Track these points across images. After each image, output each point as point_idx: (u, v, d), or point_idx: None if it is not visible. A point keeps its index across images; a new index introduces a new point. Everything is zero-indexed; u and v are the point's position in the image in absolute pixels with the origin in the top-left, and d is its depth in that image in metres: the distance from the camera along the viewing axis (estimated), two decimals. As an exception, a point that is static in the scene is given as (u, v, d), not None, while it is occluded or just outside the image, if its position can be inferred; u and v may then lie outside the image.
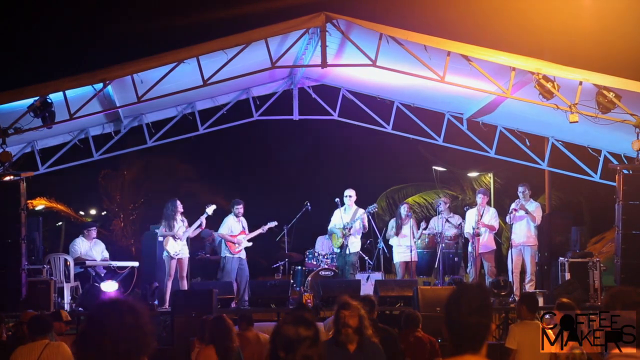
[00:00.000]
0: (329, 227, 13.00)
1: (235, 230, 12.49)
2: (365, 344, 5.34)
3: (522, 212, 12.38)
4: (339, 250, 12.71)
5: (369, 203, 13.11)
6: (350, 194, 12.70)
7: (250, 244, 12.58)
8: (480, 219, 12.60)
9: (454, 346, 2.92)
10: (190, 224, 11.98)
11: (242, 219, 12.65)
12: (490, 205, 13.97)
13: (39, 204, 22.22)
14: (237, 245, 12.38)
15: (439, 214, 13.27)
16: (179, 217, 11.97)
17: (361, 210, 12.69)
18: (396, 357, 6.49)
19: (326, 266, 12.96)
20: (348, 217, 12.62)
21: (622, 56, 17.05)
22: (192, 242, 12.39)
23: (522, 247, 12.45)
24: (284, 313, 11.30)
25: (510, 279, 12.04)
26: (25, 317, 7.14)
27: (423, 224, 13.48)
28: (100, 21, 27.33)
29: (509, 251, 12.56)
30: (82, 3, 26.44)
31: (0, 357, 6.46)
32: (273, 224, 12.78)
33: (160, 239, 12.08)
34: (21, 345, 6.23)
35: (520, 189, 12.61)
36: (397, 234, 13.09)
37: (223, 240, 12.59)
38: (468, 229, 12.72)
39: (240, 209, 12.58)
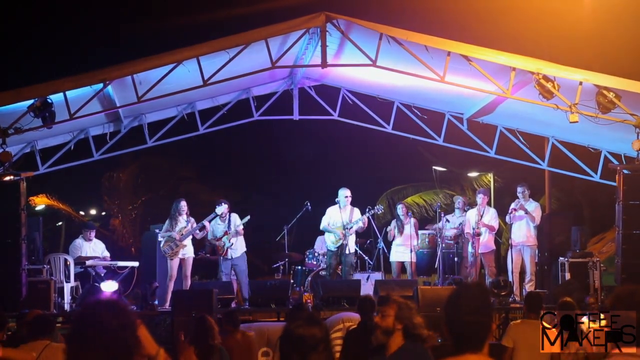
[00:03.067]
0: (323, 226, 12.63)
1: (218, 232, 12.25)
2: (406, 348, 4.69)
3: (521, 212, 12.40)
4: (334, 249, 12.50)
5: (369, 203, 13.06)
6: (348, 194, 12.61)
7: (232, 244, 12.11)
8: (480, 219, 12.62)
9: (455, 346, 2.92)
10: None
11: (233, 215, 12.33)
12: (490, 206, 13.98)
13: (41, 202, 22.24)
14: (221, 248, 12.17)
15: (455, 210, 13.39)
16: (183, 217, 11.95)
17: (357, 210, 12.59)
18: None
19: (326, 266, 12.95)
20: (346, 216, 12.54)
21: (622, 56, 17.05)
22: (192, 242, 12.38)
23: (522, 247, 12.46)
24: (284, 313, 11.30)
25: (510, 279, 12.05)
26: (31, 316, 7.10)
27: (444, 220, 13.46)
28: (101, 21, 27.32)
29: (509, 251, 12.56)
30: (82, 4, 26.44)
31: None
32: (245, 219, 12.22)
33: (160, 239, 12.05)
34: (23, 344, 6.20)
35: (519, 189, 12.62)
36: (400, 233, 13.09)
37: None
38: (468, 229, 12.74)
39: (225, 210, 12.22)
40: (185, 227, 11.88)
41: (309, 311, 7.18)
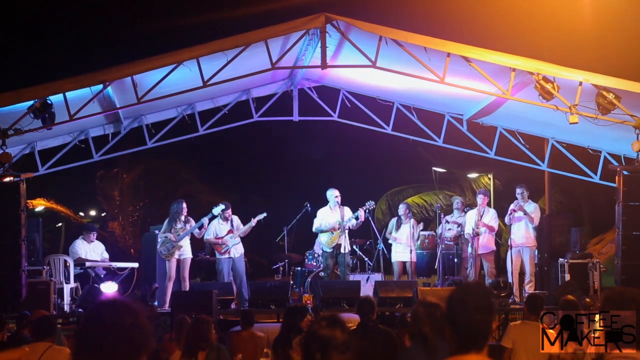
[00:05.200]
0: (316, 227, 12.68)
1: (221, 232, 12.38)
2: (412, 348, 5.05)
3: (520, 214, 12.39)
4: (330, 250, 12.50)
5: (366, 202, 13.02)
6: (337, 194, 12.61)
7: (238, 241, 12.34)
8: (480, 219, 12.63)
9: (458, 345, 2.92)
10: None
11: (234, 218, 12.50)
12: (490, 206, 13.98)
13: (39, 205, 22.22)
14: (223, 246, 12.29)
15: (454, 211, 13.40)
16: (182, 218, 11.98)
17: (348, 209, 12.57)
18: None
19: (323, 267, 12.92)
20: (338, 216, 12.52)
21: (622, 56, 17.05)
22: (192, 243, 12.39)
23: (521, 248, 12.46)
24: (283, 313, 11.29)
25: (510, 280, 12.05)
26: (35, 316, 7.07)
27: (421, 226, 13.53)
28: (101, 22, 27.33)
29: (508, 252, 12.55)
30: (82, 5, 26.45)
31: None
32: (262, 216, 12.46)
33: (160, 239, 12.06)
34: (25, 345, 6.17)
35: (519, 190, 12.61)
36: (396, 230, 13.14)
37: None
38: (468, 230, 12.74)
39: (228, 212, 12.44)
40: (182, 228, 11.90)
41: (307, 311, 7.16)
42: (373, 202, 12.84)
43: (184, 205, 12.11)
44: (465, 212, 13.26)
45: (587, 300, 10.28)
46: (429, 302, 5.25)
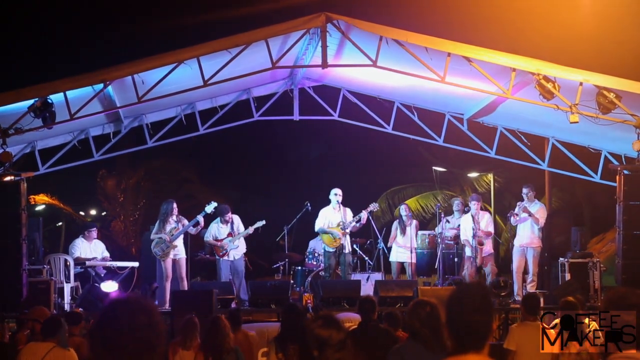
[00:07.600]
0: (318, 227, 12.59)
1: (220, 235, 12.36)
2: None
3: (524, 215, 12.31)
4: (332, 250, 12.44)
5: (369, 204, 13.03)
6: (338, 192, 12.56)
7: (237, 246, 12.31)
8: (478, 228, 12.50)
9: (457, 346, 2.92)
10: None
11: (235, 218, 12.47)
12: (491, 206, 13.95)
13: (41, 201, 22.22)
14: (222, 249, 12.28)
15: (454, 212, 13.36)
16: (173, 218, 11.94)
17: (349, 210, 12.53)
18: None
19: (325, 267, 12.91)
20: (339, 216, 12.49)
21: (622, 56, 17.04)
22: (192, 242, 12.38)
23: (526, 249, 12.41)
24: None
25: (513, 280, 12.04)
26: (34, 313, 6.98)
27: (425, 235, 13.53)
28: (101, 22, 27.32)
29: (513, 252, 12.50)
30: (83, 4, 26.45)
31: (1, 357, 6.39)
32: (260, 224, 12.41)
33: (153, 240, 12.01)
34: (32, 342, 6.11)
35: (525, 190, 12.54)
36: (403, 234, 13.13)
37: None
38: (465, 236, 12.64)
39: (228, 216, 12.42)
40: (175, 228, 11.87)
41: (302, 310, 7.17)
42: (377, 204, 12.81)
43: (174, 205, 12.07)
44: (466, 212, 13.18)
45: (578, 296, 10.28)
46: (421, 300, 5.32)
